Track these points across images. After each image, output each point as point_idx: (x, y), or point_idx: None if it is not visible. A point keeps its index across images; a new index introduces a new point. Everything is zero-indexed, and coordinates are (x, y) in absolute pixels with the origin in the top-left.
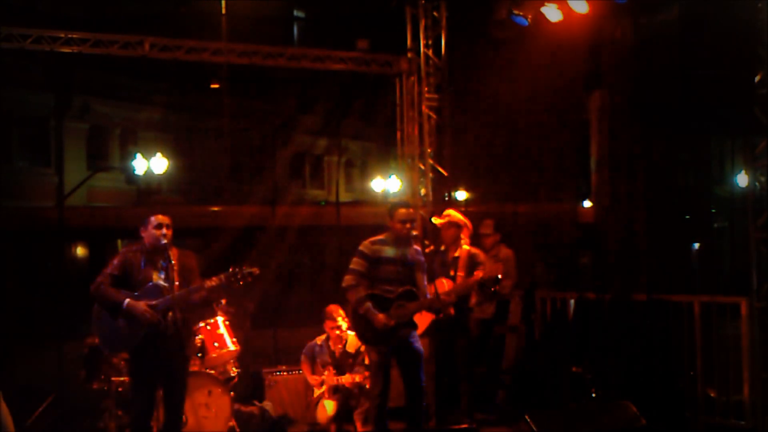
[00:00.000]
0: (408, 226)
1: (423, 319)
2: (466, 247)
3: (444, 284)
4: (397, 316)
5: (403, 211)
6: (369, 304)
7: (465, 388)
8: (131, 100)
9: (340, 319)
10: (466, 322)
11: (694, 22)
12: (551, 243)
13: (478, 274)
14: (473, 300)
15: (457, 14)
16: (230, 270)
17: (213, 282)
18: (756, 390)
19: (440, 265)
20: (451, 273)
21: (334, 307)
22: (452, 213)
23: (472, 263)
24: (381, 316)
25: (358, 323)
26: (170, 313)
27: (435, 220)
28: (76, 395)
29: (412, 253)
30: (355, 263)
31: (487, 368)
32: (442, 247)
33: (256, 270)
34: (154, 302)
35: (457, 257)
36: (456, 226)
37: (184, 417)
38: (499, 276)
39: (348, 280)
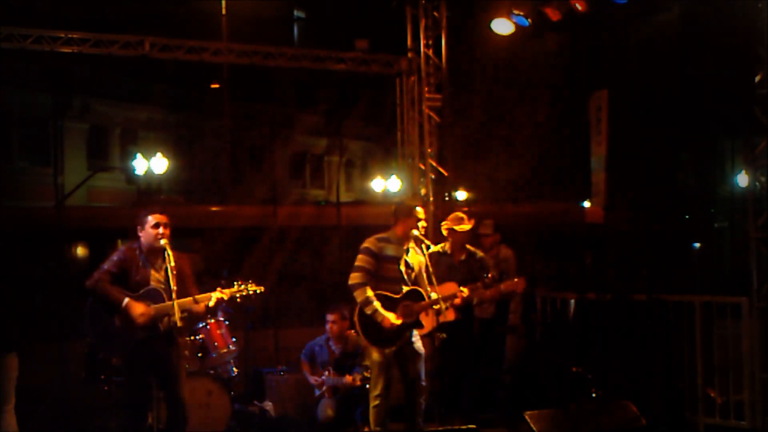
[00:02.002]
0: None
1: (428, 321)
2: (469, 248)
3: (452, 288)
4: (403, 316)
5: (422, 211)
6: (377, 305)
7: (465, 388)
8: (131, 100)
9: (339, 314)
10: (469, 323)
11: (694, 22)
12: (552, 243)
13: (505, 285)
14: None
15: (458, 14)
16: (234, 287)
17: (220, 296)
18: (756, 390)
19: (447, 268)
20: (458, 276)
21: (337, 304)
22: (464, 218)
23: (480, 266)
24: (389, 317)
25: (363, 323)
26: (166, 317)
27: (446, 226)
28: (76, 395)
29: (412, 251)
30: (362, 260)
31: (487, 368)
32: (449, 251)
33: (261, 288)
34: (152, 309)
35: (464, 260)
36: (466, 233)
37: None
38: (496, 276)
39: (355, 277)
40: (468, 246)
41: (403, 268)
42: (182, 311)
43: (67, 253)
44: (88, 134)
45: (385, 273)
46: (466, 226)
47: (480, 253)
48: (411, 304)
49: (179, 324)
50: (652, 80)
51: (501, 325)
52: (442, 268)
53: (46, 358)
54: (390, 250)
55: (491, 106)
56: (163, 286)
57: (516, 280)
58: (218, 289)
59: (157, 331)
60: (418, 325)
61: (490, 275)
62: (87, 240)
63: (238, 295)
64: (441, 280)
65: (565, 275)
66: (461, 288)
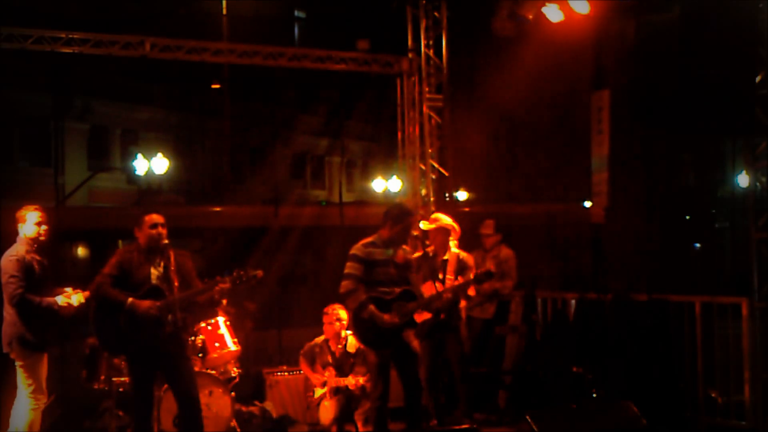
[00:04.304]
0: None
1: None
2: (455, 250)
3: (434, 288)
4: (399, 317)
5: (413, 219)
6: (372, 307)
7: (463, 388)
8: (131, 101)
9: (342, 312)
10: (456, 324)
11: (694, 22)
12: (552, 243)
13: (471, 274)
14: (463, 302)
15: (459, 14)
16: (234, 273)
17: (221, 286)
18: (757, 390)
19: (429, 269)
20: (440, 276)
21: (335, 305)
22: (441, 218)
23: (461, 266)
24: (387, 317)
25: (359, 327)
26: (170, 315)
27: (425, 226)
28: (76, 395)
29: (401, 253)
30: (351, 267)
31: (487, 368)
32: (431, 252)
33: (260, 273)
34: (158, 303)
35: (446, 260)
36: (444, 232)
37: None
38: (492, 270)
39: (346, 285)
40: (453, 248)
41: (392, 269)
42: (183, 311)
43: (67, 253)
44: (89, 134)
45: (377, 277)
46: (428, 225)
47: (462, 254)
48: (404, 305)
49: (179, 324)
50: (652, 80)
51: (501, 325)
52: (425, 269)
53: (47, 358)
54: (378, 254)
55: (492, 106)
56: (164, 285)
57: (509, 282)
58: (217, 278)
59: (162, 329)
60: (413, 324)
61: (482, 270)
62: (88, 240)
63: (238, 282)
64: (425, 281)
65: (565, 275)
66: (434, 284)
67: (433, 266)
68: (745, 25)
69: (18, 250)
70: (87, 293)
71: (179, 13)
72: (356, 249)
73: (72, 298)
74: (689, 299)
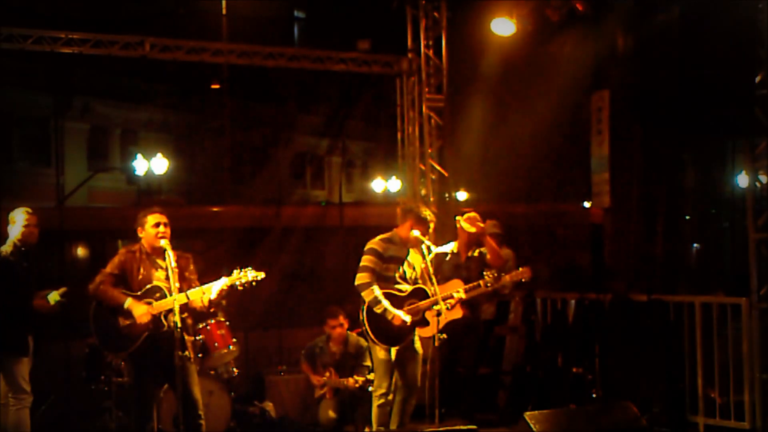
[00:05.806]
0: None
1: (432, 321)
2: (478, 248)
3: (455, 285)
4: (411, 314)
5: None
6: (387, 302)
7: (465, 388)
8: (131, 101)
9: (341, 317)
10: (477, 324)
11: (694, 22)
12: (552, 243)
13: (515, 274)
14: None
15: (458, 14)
16: (234, 274)
17: (221, 287)
18: (756, 391)
19: (453, 266)
20: (464, 273)
21: (336, 308)
22: (477, 217)
23: (483, 263)
24: (399, 314)
25: (372, 322)
26: (171, 315)
27: (467, 227)
28: (76, 395)
29: (412, 251)
30: (369, 261)
31: (487, 369)
32: (456, 250)
33: (262, 274)
34: (155, 304)
35: (470, 257)
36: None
37: None
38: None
39: (363, 278)
40: (477, 246)
41: (406, 268)
42: (183, 311)
43: (67, 253)
44: (89, 134)
45: (388, 273)
46: (472, 229)
47: (482, 249)
48: (416, 302)
49: (179, 325)
50: (652, 80)
51: (501, 326)
52: (448, 266)
53: (47, 358)
54: (393, 251)
55: (491, 106)
56: (165, 285)
57: (521, 269)
58: (219, 284)
59: (161, 329)
60: (424, 322)
61: (491, 273)
62: (87, 240)
63: (238, 282)
64: (445, 279)
65: (565, 275)
66: (458, 288)
67: (458, 264)
68: (745, 25)
69: (2, 251)
70: (64, 289)
71: (179, 13)
72: (375, 243)
73: (47, 297)
74: (689, 299)
